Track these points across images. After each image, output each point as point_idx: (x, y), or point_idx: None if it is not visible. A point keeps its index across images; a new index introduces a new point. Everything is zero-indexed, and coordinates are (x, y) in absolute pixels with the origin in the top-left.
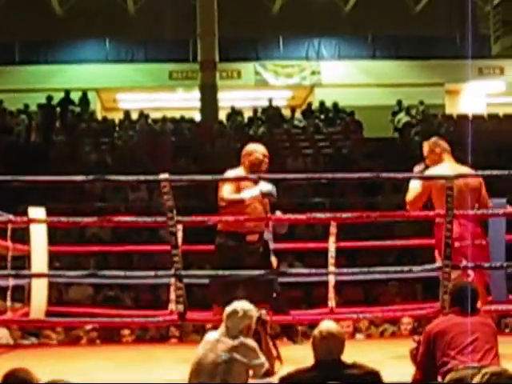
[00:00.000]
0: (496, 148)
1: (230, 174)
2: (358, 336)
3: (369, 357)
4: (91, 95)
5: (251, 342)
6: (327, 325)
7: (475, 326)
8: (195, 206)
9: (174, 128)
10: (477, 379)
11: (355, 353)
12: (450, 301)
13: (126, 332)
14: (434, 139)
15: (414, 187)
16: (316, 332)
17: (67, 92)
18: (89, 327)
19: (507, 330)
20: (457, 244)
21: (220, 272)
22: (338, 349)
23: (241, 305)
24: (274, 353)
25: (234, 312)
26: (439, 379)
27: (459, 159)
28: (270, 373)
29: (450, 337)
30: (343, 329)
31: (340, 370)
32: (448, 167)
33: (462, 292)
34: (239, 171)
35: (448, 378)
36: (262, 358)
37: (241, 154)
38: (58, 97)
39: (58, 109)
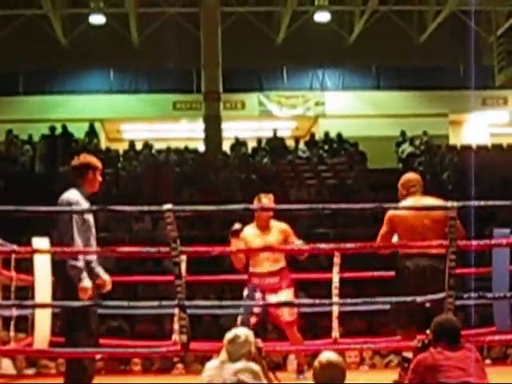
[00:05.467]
0: (500, 178)
1: None
2: (363, 367)
3: None
4: (96, 126)
5: (255, 366)
6: (327, 355)
7: (466, 360)
8: (199, 237)
9: (177, 158)
10: None
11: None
12: (433, 336)
13: (136, 361)
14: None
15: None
16: (316, 362)
17: (64, 127)
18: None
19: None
20: None
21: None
22: (339, 379)
23: (241, 330)
24: (272, 378)
25: (236, 337)
26: None
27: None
28: None
29: (442, 371)
30: (351, 359)
31: None
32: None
33: (446, 326)
34: None
35: None
36: (265, 381)
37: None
38: (62, 127)
39: (63, 139)
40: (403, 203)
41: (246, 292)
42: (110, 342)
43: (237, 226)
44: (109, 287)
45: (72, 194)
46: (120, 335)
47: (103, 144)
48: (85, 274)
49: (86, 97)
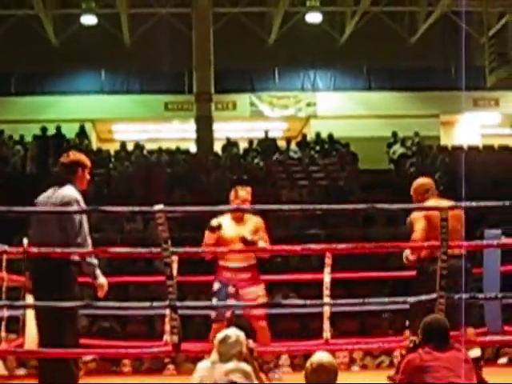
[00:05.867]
0: (491, 179)
1: None
2: (353, 367)
3: None
4: (87, 126)
5: (246, 366)
6: (319, 356)
7: (455, 361)
8: (190, 237)
9: (169, 159)
10: None
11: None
12: (422, 336)
13: (126, 362)
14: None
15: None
16: (308, 364)
17: (58, 128)
18: (87, 358)
19: (504, 361)
20: None
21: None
22: (330, 380)
23: (232, 330)
24: (264, 378)
25: (227, 337)
26: None
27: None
28: None
29: (430, 371)
30: (339, 359)
31: None
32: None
33: (434, 327)
34: None
35: None
36: (256, 382)
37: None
38: (53, 128)
39: (54, 140)
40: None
41: (216, 286)
42: (102, 342)
43: (214, 222)
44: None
45: (74, 192)
46: (111, 336)
47: (94, 144)
48: (99, 271)
49: (78, 97)
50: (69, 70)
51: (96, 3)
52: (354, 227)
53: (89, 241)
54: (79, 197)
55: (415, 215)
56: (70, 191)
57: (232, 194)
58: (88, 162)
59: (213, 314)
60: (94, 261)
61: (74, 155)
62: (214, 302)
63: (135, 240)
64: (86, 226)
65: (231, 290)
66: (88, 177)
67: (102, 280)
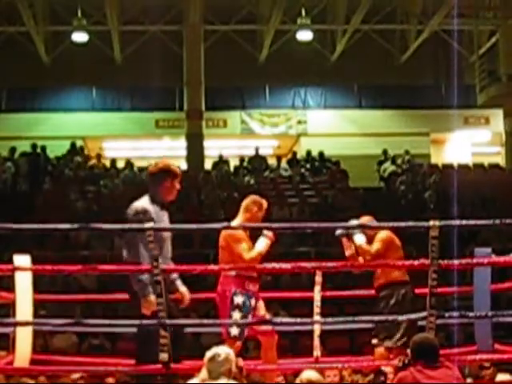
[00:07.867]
0: (481, 197)
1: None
2: None
3: None
4: (77, 143)
5: None
6: (307, 374)
7: (447, 378)
8: (180, 255)
9: None
10: None
11: None
12: (412, 355)
13: (111, 380)
14: None
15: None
16: (297, 381)
17: (43, 148)
18: (76, 376)
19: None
20: None
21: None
22: None
23: (222, 348)
24: None
25: (216, 355)
26: None
27: None
28: None
29: None
30: (330, 378)
31: None
32: None
33: (424, 345)
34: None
35: None
36: None
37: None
38: (44, 145)
39: (45, 156)
40: (383, 232)
41: (240, 299)
42: (91, 359)
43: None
44: (187, 302)
45: (141, 202)
46: (101, 353)
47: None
48: (150, 289)
49: (69, 114)
50: (59, 87)
51: (87, 20)
52: None
53: (143, 254)
54: (143, 208)
55: (386, 235)
56: (138, 202)
57: (255, 205)
58: (178, 171)
59: (235, 331)
60: (144, 278)
61: (164, 164)
62: (238, 316)
63: None
64: (141, 239)
65: (253, 302)
66: (178, 186)
67: (150, 298)
